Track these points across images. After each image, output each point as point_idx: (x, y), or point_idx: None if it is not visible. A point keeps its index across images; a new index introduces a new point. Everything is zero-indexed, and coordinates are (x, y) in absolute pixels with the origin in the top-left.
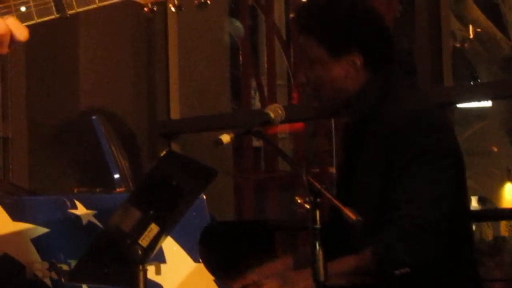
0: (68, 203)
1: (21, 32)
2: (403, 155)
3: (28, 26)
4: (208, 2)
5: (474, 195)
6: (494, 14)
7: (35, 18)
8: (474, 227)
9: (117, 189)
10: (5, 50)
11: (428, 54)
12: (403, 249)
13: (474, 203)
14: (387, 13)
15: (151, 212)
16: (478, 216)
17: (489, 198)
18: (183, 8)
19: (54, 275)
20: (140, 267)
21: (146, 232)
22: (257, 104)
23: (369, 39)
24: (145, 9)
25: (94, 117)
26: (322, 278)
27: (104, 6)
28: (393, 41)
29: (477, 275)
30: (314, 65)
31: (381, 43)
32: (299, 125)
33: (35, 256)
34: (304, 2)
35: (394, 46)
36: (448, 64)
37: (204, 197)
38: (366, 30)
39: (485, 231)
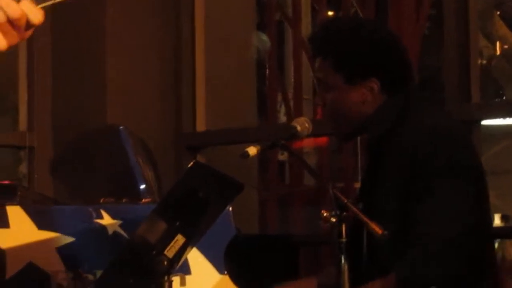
0: (94, 213)
1: (35, 15)
2: (423, 172)
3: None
4: None
5: (497, 212)
6: None
7: None
8: (496, 245)
9: (143, 200)
10: (22, 35)
11: (456, 71)
12: (429, 268)
13: (497, 221)
14: (415, 31)
15: (178, 223)
16: (501, 234)
17: None
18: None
19: (79, 285)
20: (165, 278)
21: (172, 243)
22: (282, 118)
23: (386, 65)
24: None
25: (121, 128)
26: None
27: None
28: (410, 63)
29: None
30: (330, 89)
31: (398, 66)
32: (323, 140)
33: (60, 265)
34: (320, 25)
35: (411, 68)
36: (476, 81)
37: (230, 209)
38: (383, 56)
39: (508, 250)
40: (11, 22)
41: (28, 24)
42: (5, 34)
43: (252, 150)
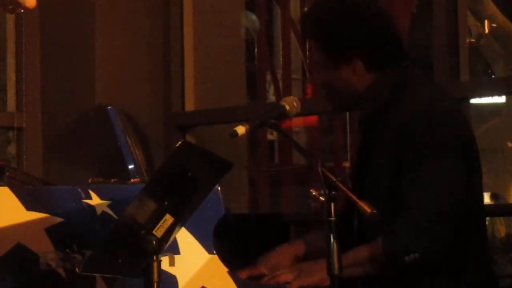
0: (83, 194)
1: None
2: (414, 147)
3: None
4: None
5: (487, 191)
6: (510, 9)
7: None
8: (486, 223)
9: (132, 180)
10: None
11: (445, 49)
12: (413, 236)
13: (487, 199)
14: (404, 9)
15: (166, 203)
16: (491, 211)
17: (503, 194)
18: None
19: (68, 265)
20: (154, 258)
21: (161, 223)
22: (271, 98)
23: (368, 44)
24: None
25: (109, 108)
26: (336, 271)
27: None
28: (400, 39)
29: (490, 270)
30: (320, 68)
31: (383, 44)
32: (312, 119)
33: (49, 246)
34: (310, 6)
35: (402, 44)
36: (465, 59)
37: (219, 188)
38: (365, 36)
39: (498, 228)
40: None
41: None
42: None
43: (241, 129)
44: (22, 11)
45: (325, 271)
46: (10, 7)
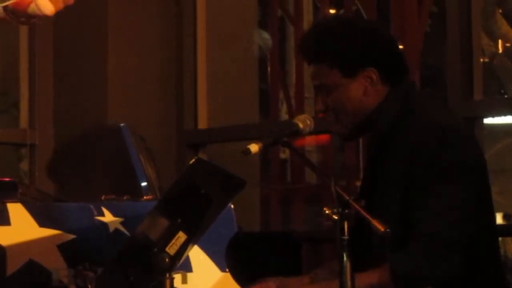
0: (95, 210)
1: None
2: (426, 170)
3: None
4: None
5: (500, 211)
6: None
7: None
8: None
9: (144, 197)
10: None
11: (458, 68)
12: (426, 266)
13: (499, 220)
14: (417, 28)
15: (179, 220)
16: (503, 232)
17: None
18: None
19: (80, 282)
20: (167, 275)
21: (174, 240)
22: (284, 116)
23: (380, 51)
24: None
25: (122, 125)
26: None
27: None
28: (402, 54)
29: None
30: (330, 90)
31: (393, 54)
32: (325, 137)
33: (61, 262)
34: (305, 33)
35: (405, 59)
36: (479, 79)
37: (232, 206)
38: (375, 43)
39: (510, 248)
40: None
41: None
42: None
43: (254, 147)
44: (34, 20)
45: None
46: (22, 19)
